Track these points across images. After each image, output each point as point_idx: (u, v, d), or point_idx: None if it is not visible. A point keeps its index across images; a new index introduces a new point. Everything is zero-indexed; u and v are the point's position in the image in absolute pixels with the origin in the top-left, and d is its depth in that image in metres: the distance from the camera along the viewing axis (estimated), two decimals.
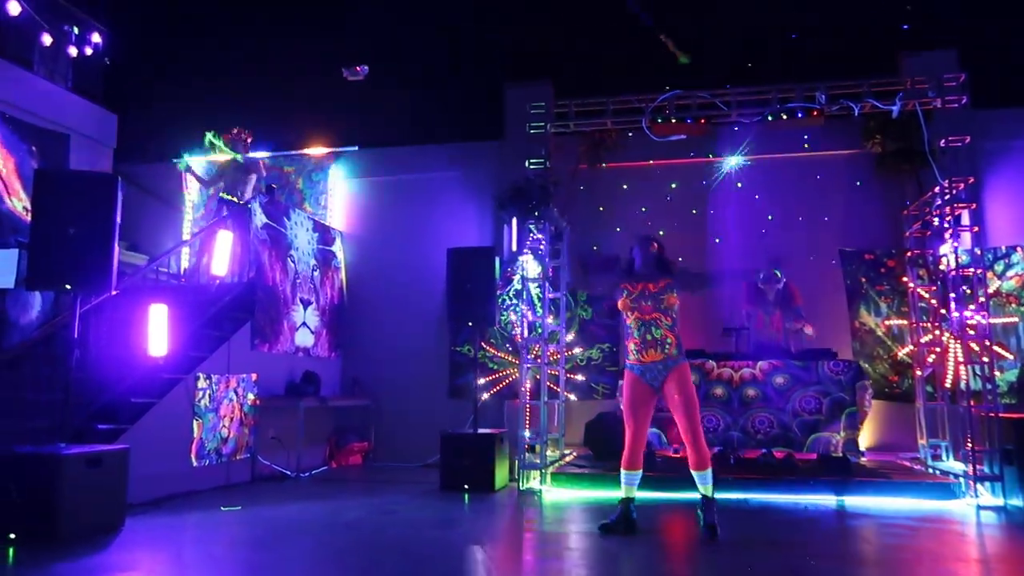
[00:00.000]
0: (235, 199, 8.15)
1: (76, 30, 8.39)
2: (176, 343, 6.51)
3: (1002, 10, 8.05)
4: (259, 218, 7.87)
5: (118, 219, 4.95)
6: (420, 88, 9.89)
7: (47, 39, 7.95)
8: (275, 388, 7.86)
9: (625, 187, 8.87)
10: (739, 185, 8.48)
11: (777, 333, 7.54)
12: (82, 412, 5.72)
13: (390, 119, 9.92)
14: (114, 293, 5.09)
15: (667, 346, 4.65)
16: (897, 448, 7.75)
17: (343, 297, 9.44)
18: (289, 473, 7.56)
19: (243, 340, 7.43)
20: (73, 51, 8.35)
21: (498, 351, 8.71)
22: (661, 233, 8.19)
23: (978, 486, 5.91)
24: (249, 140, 8.56)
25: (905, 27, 6.64)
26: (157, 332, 6.30)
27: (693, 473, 4.70)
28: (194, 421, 6.56)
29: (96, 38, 8.63)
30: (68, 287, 4.85)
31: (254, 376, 7.44)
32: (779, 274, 7.57)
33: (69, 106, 8.22)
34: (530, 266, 7.60)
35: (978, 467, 5.95)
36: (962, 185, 6.40)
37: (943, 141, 6.49)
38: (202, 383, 6.69)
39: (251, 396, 7.38)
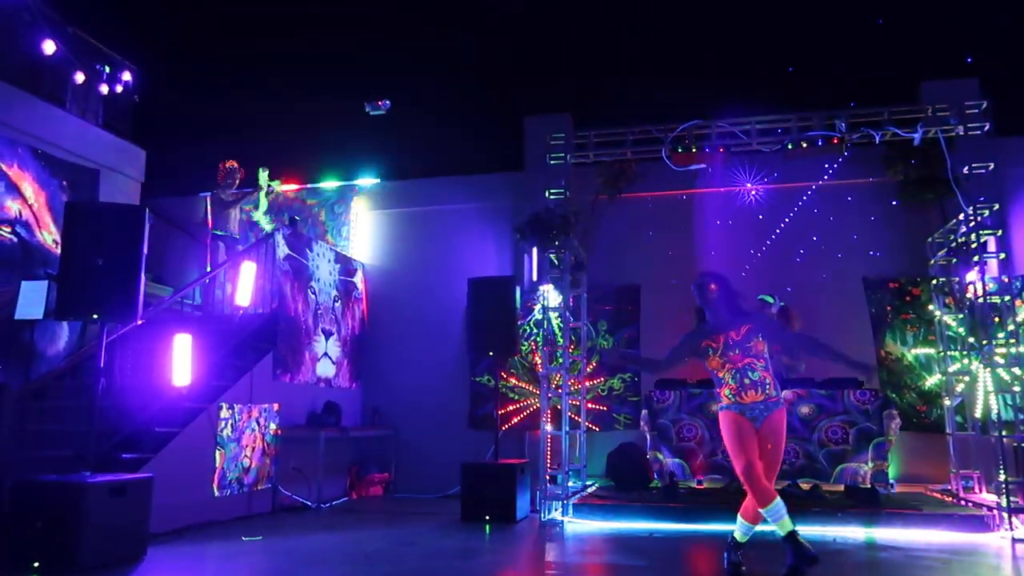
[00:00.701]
0: (229, 233, 8.46)
1: (108, 69, 8.62)
2: (199, 373, 6.56)
3: (1021, 37, 8.03)
4: (282, 249, 7.97)
5: (144, 250, 5.04)
6: (441, 121, 10.02)
7: (80, 78, 8.18)
8: (296, 418, 7.88)
9: (646, 216, 8.86)
10: (760, 218, 8.45)
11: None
12: (106, 441, 5.76)
13: (411, 152, 10.05)
14: (140, 323, 5.16)
15: (766, 386, 4.36)
16: (927, 480, 7.57)
17: (364, 327, 9.49)
18: (310, 504, 7.54)
19: (265, 370, 7.47)
20: (104, 89, 8.58)
21: (519, 381, 8.68)
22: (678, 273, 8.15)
23: (1013, 518, 5.75)
24: (239, 175, 8.80)
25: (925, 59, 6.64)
26: (181, 362, 6.36)
27: (763, 511, 4.27)
28: (216, 451, 6.58)
29: (126, 76, 8.86)
30: (95, 317, 4.92)
31: (276, 406, 7.47)
32: (772, 299, 7.45)
33: (99, 142, 8.42)
34: (551, 296, 7.61)
35: (1012, 499, 5.80)
36: (987, 212, 6.34)
37: (966, 168, 6.45)
38: (225, 413, 6.73)
39: (273, 426, 7.40)
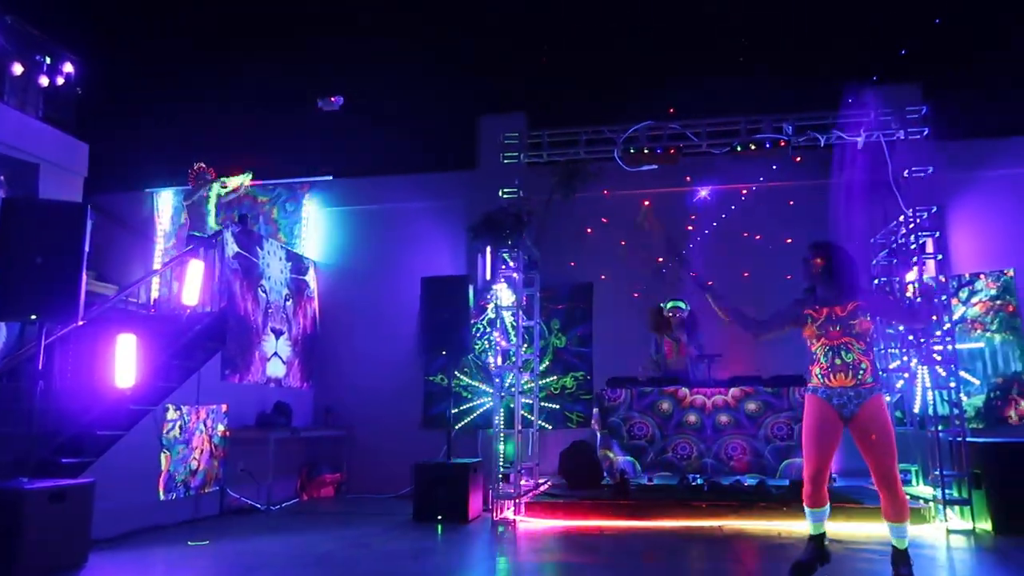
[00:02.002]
0: (202, 234, 8.34)
1: (48, 60, 8.35)
2: (144, 374, 6.41)
3: (963, 45, 8.31)
4: (231, 247, 7.82)
5: (86, 249, 4.91)
6: (394, 118, 9.95)
7: (18, 69, 7.90)
8: (246, 419, 7.75)
9: (599, 215, 8.94)
10: (721, 216, 8.59)
11: (683, 359, 7.66)
12: (46, 446, 5.59)
13: (364, 149, 9.96)
14: (81, 323, 5.02)
15: (861, 372, 4.00)
16: (868, 473, 7.76)
17: (316, 327, 9.38)
18: (259, 506, 7.43)
19: (213, 370, 7.34)
20: (45, 81, 8.31)
21: (472, 380, 8.68)
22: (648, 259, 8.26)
23: (948, 510, 5.97)
24: (211, 175, 8.70)
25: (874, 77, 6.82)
26: (125, 363, 6.21)
27: (888, 524, 4.09)
28: (162, 453, 6.44)
29: (68, 68, 8.59)
30: (34, 317, 4.78)
31: (224, 407, 7.34)
32: (685, 304, 7.69)
33: (39, 135, 8.15)
34: (504, 295, 7.62)
35: (947, 491, 6.02)
36: (925, 214, 6.55)
37: (907, 171, 6.65)
38: (171, 414, 6.59)
39: (221, 427, 7.27)
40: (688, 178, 8.39)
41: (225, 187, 8.86)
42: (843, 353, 4.04)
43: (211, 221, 8.81)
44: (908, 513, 4.02)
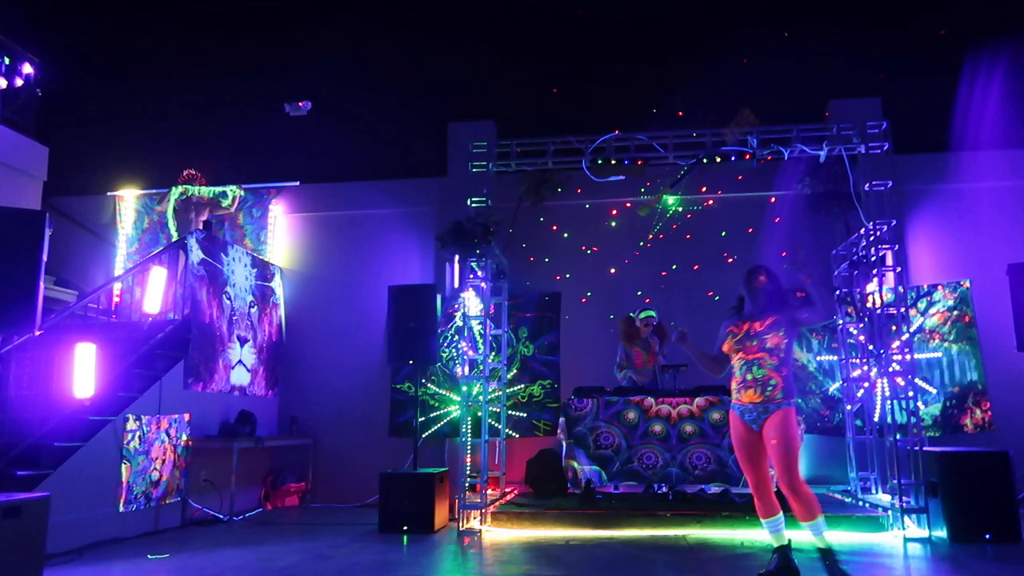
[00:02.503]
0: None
1: (7, 61, 8.16)
2: (104, 383, 6.30)
3: (921, 61, 8.50)
4: (196, 254, 7.72)
5: (44, 257, 4.80)
6: (363, 123, 9.90)
7: None
8: (209, 428, 7.65)
9: (567, 225, 8.99)
10: (676, 227, 8.69)
11: (651, 369, 7.77)
12: (1, 458, 5.46)
13: (333, 154, 9.89)
14: (38, 334, 4.90)
15: (770, 388, 4.18)
16: (829, 481, 7.94)
17: (281, 334, 9.28)
18: (222, 517, 7.33)
19: (176, 379, 7.23)
20: (3, 83, 8.12)
21: (439, 388, 8.66)
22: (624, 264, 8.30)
23: (905, 518, 6.09)
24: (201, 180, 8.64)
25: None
26: (83, 372, 6.10)
27: (805, 526, 4.26)
28: (122, 464, 6.33)
29: (28, 69, 8.41)
30: None
31: (187, 416, 7.23)
32: (654, 315, 7.81)
33: None
34: (472, 303, 7.62)
35: (904, 499, 6.14)
36: (885, 227, 6.69)
37: (868, 185, 6.79)
38: (131, 425, 6.48)
39: (184, 437, 7.16)
40: (647, 185, 8.45)
41: (185, 194, 8.76)
42: (755, 368, 4.23)
43: (170, 226, 8.74)
44: (819, 508, 4.19)
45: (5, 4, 8.58)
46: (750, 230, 8.54)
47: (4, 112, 8.23)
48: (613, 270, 8.66)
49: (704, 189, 8.74)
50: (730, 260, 8.63)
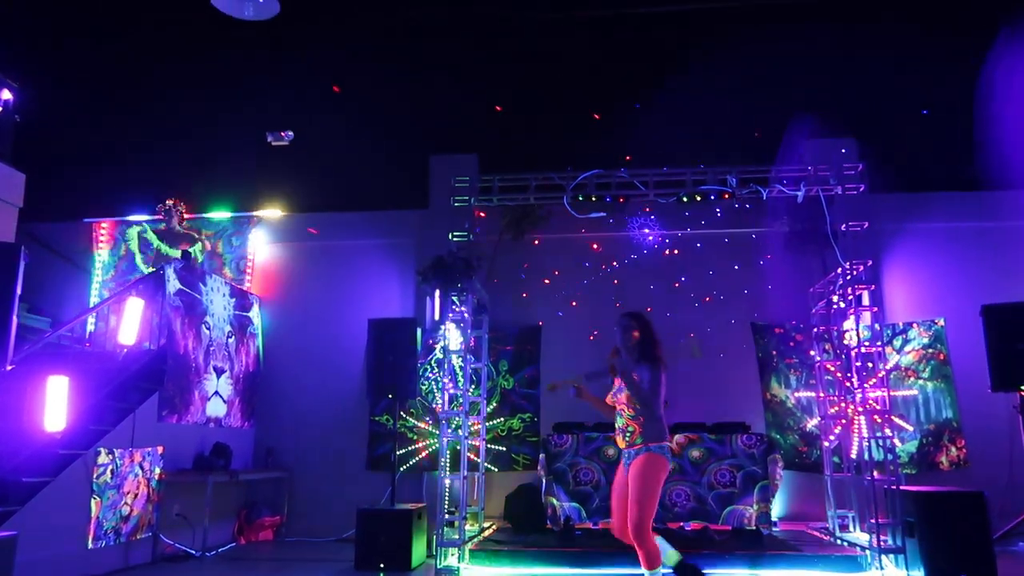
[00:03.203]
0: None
1: None
2: (76, 416, 6.16)
3: (895, 103, 8.70)
4: (172, 284, 7.64)
5: (18, 291, 4.74)
6: (344, 154, 9.88)
7: None
8: (183, 461, 7.51)
9: (547, 259, 9.02)
10: (657, 262, 8.75)
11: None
12: None
13: (313, 185, 9.86)
14: (9, 368, 4.81)
15: (628, 434, 4.48)
16: (808, 517, 7.95)
17: (259, 364, 9.18)
18: (194, 552, 7.17)
19: (150, 411, 7.11)
20: None
21: (418, 421, 8.59)
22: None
23: (883, 558, 6.10)
24: (182, 209, 8.60)
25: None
26: (55, 405, 5.96)
27: (644, 573, 4.39)
28: (92, 500, 6.19)
29: (6, 95, 8.33)
30: None
31: (160, 449, 7.10)
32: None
33: None
34: (452, 335, 7.58)
35: (882, 539, 6.16)
36: (861, 267, 6.78)
37: (844, 225, 6.90)
38: (103, 458, 6.34)
39: (157, 470, 7.03)
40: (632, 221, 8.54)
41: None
42: (619, 418, 4.54)
43: (138, 258, 8.69)
44: (658, 562, 4.34)
45: None
46: (736, 267, 8.61)
47: None
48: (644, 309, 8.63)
49: (687, 230, 8.82)
50: (715, 291, 8.70)
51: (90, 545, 6.15)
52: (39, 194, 9.00)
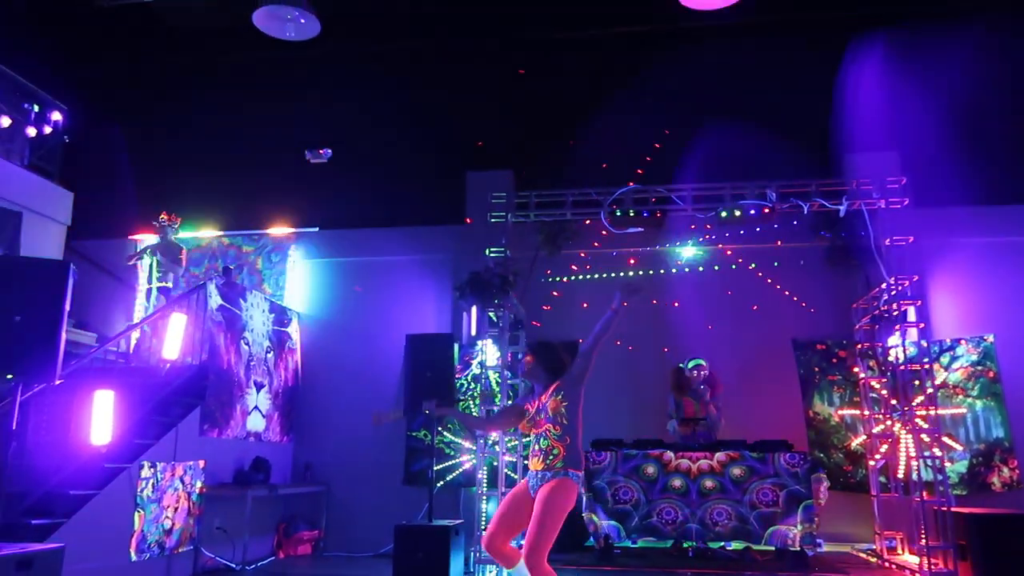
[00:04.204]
0: (168, 284, 8.46)
1: (37, 108, 8.34)
2: (120, 430, 6.27)
3: (936, 116, 8.51)
4: (214, 300, 7.75)
5: (67, 307, 4.83)
6: (382, 171, 9.97)
7: (5, 122, 7.87)
8: (223, 475, 7.59)
9: (584, 274, 8.97)
10: (695, 278, 8.65)
11: (702, 419, 7.61)
12: (16, 506, 5.42)
13: (351, 201, 9.95)
14: (58, 383, 4.90)
15: (551, 457, 4.10)
16: (853, 539, 7.75)
17: (297, 379, 9.26)
18: (234, 566, 7.23)
19: (192, 426, 7.20)
20: (32, 131, 8.28)
21: (455, 436, 8.58)
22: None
23: None
24: (177, 223, 8.69)
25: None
26: (101, 419, 6.07)
27: None
28: (135, 513, 6.28)
29: (56, 116, 8.58)
30: (10, 376, 4.67)
31: (202, 463, 7.18)
32: (703, 363, 7.67)
33: (24, 184, 8.09)
34: (489, 351, 7.58)
35: (933, 562, 5.98)
36: (907, 283, 6.63)
37: (888, 240, 6.76)
38: (146, 472, 6.43)
39: (198, 484, 7.11)
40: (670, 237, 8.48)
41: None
42: (541, 440, 4.16)
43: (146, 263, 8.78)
44: (516, 558, 4.04)
45: (34, 53, 8.79)
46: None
47: (31, 158, 8.37)
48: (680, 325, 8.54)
49: (726, 245, 8.70)
50: (754, 307, 8.56)
51: (133, 558, 6.23)
52: (86, 212, 9.24)
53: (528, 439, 4.39)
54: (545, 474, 4.07)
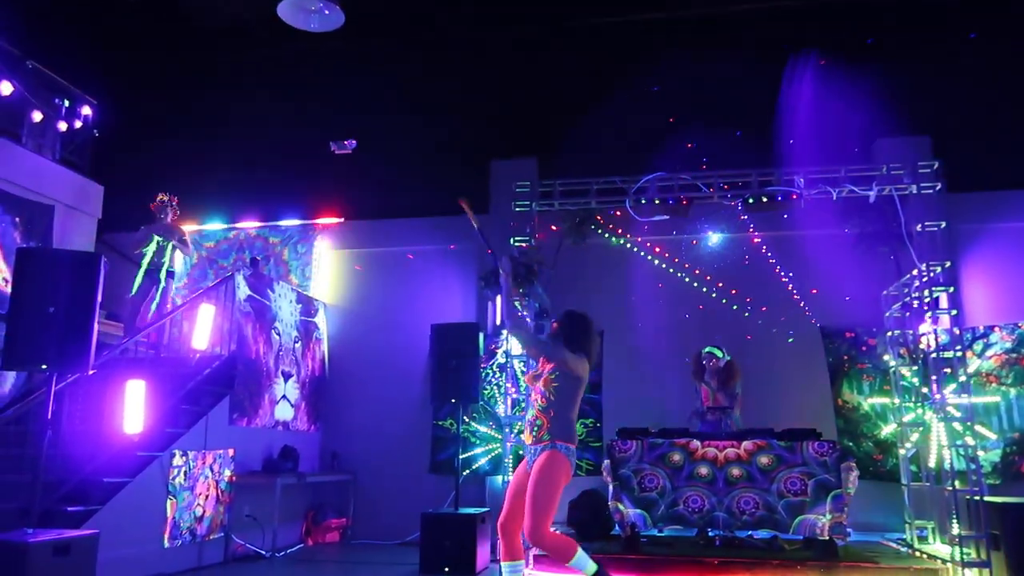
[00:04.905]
0: (176, 268, 8.52)
1: (67, 103, 8.44)
2: (152, 419, 6.39)
3: (972, 98, 8.33)
4: (243, 291, 7.84)
5: (99, 298, 4.91)
6: (406, 161, 10.00)
7: (37, 116, 7.99)
8: (252, 464, 7.69)
9: (610, 263, 8.92)
10: (721, 266, 8.56)
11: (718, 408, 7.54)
12: (52, 494, 5.55)
13: (376, 192, 9.99)
14: (91, 373, 4.99)
15: (536, 429, 4.19)
16: (883, 528, 7.66)
17: (324, 369, 9.35)
18: (264, 553, 7.33)
19: (221, 415, 7.31)
20: (63, 126, 8.39)
21: (481, 425, 8.61)
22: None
23: (966, 572, 5.84)
24: (175, 202, 8.66)
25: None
26: (133, 409, 6.19)
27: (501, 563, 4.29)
28: (168, 500, 6.39)
29: (86, 110, 8.68)
30: (44, 367, 4.77)
31: (231, 452, 7.29)
32: (721, 352, 7.55)
33: (55, 178, 8.22)
34: (514, 340, 7.57)
35: (965, 552, 5.89)
36: (939, 269, 6.51)
37: (919, 226, 6.63)
38: (178, 460, 6.55)
39: (228, 472, 7.21)
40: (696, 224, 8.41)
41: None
42: (529, 410, 4.32)
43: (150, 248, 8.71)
44: (573, 548, 4.13)
45: (64, 48, 8.90)
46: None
47: (62, 153, 8.50)
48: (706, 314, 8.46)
49: (753, 232, 8.61)
50: (781, 295, 8.46)
51: (166, 544, 6.35)
52: (117, 205, 9.36)
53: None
54: (536, 448, 4.19)
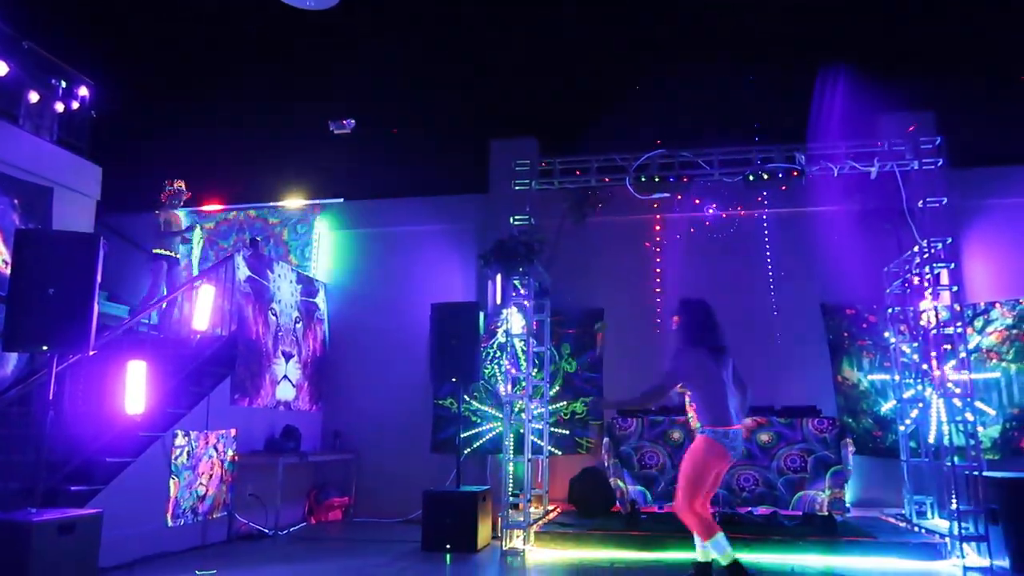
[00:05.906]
0: (171, 253, 8.50)
1: (64, 84, 8.40)
2: (154, 400, 6.41)
3: (974, 72, 8.26)
4: (242, 271, 7.84)
5: (98, 279, 4.92)
6: (405, 141, 9.96)
7: (34, 97, 7.96)
8: (255, 443, 7.73)
9: (610, 241, 8.90)
10: (721, 243, 8.54)
11: None
12: (55, 473, 5.59)
13: (375, 172, 9.96)
14: (92, 354, 5.01)
15: (689, 419, 5.84)
16: (882, 504, 7.70)
17: (325, 349, 9.37)
18: (267, 531, 7.39)
19: (223, 395, 7.33)
20: (60, 107, 8.36)
21: (481, 405, 8.64)
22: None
23: (964, 546, 5.87)
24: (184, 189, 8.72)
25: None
26: (135, 389, 6.22)
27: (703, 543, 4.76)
28: (170, 480, 6.43)
29: (83, 91, 8.64)
30: (45, 348, 4.78)
31: (233, 431, 7.32)
32: None
33: (53, 159, 8.19)
34: (514, 319, 7.58)
35: (963, 526, 5.92)
36: (940, 245, 6.49)
37: (921, 202, 6.60)
38: (180, 440, 6.58)
39: (230, 452, 7.25)
40: (697, 201, 8.39)
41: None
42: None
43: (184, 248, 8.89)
44: (715, 529, 4.61)
45: (60, 28, 8.85)
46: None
47: (60, 134, 8.46)
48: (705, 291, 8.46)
49: (753, 209, 8.58)
50: (782, 272, 8.44)
51: (169, 523, 6.40)
52: (115, 186, 9.35)
53: None
54: (694, 433, 5.10)
